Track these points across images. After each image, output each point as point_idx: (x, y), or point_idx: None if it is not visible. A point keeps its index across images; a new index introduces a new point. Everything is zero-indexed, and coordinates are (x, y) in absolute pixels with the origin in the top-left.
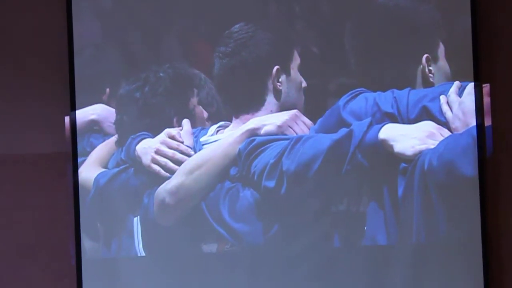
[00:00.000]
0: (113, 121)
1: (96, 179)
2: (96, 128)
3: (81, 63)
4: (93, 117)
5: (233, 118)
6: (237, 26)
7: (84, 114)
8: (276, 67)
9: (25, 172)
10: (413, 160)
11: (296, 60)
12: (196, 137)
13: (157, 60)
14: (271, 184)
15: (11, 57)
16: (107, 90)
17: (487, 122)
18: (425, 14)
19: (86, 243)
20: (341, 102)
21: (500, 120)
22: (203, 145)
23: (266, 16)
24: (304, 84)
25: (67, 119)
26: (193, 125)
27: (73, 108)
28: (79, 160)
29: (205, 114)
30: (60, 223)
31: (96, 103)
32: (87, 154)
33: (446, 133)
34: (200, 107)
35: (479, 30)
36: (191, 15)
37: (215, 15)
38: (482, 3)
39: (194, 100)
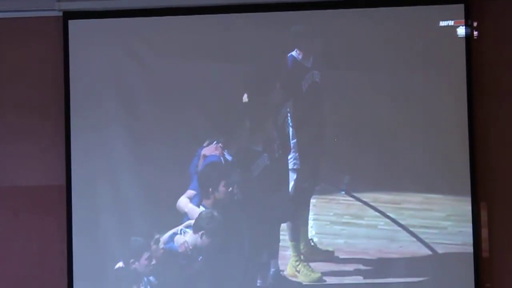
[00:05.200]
0: None
1: None
2: None
3: (77, 96)
4: None
5: None
6: None
7: None
8: None
9: (18, 204)
10: None
11: None
12: None
13: (152, 96)
14: None
15: (5, 89)
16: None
17: None
18: None
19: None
20: None
21: None
22: None
23: None
24: None
25: (61, 152)
26: None
27: (67, 141)
28: (73, 192)
29: None
30: (52, 256)
31: (91, 136)
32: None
33: None
34: None
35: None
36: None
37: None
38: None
39: None
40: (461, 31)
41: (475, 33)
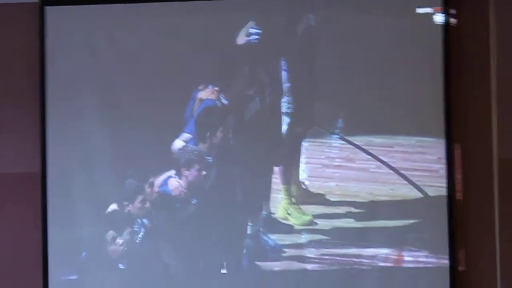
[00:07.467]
0: None
1: None
2: None
3: (54, 82)
4: None
5: None
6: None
7: None
8: None
9: None
10: None
11: None
12: None
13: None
14: None
15: None
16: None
17: None
18: None
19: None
20: None
21: None
22: None
23: None
24: None
25: (36, 139)
26: None
27: (43, 128)
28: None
29: None
30: (27, 243)
31: (68, 125)
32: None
33: None
34: None
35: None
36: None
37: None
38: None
39: None
40: (439, 18)
41: (453, 20)
